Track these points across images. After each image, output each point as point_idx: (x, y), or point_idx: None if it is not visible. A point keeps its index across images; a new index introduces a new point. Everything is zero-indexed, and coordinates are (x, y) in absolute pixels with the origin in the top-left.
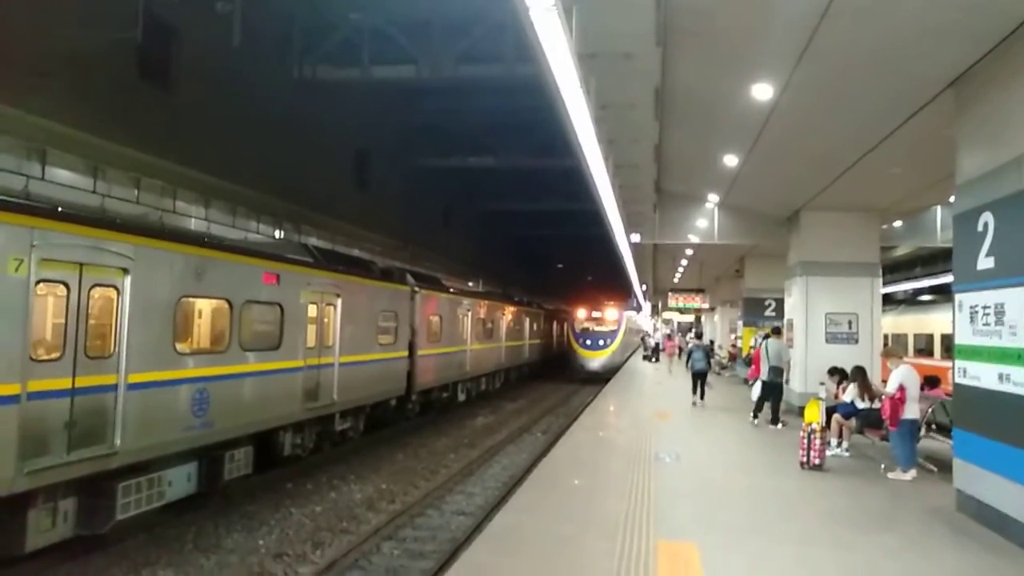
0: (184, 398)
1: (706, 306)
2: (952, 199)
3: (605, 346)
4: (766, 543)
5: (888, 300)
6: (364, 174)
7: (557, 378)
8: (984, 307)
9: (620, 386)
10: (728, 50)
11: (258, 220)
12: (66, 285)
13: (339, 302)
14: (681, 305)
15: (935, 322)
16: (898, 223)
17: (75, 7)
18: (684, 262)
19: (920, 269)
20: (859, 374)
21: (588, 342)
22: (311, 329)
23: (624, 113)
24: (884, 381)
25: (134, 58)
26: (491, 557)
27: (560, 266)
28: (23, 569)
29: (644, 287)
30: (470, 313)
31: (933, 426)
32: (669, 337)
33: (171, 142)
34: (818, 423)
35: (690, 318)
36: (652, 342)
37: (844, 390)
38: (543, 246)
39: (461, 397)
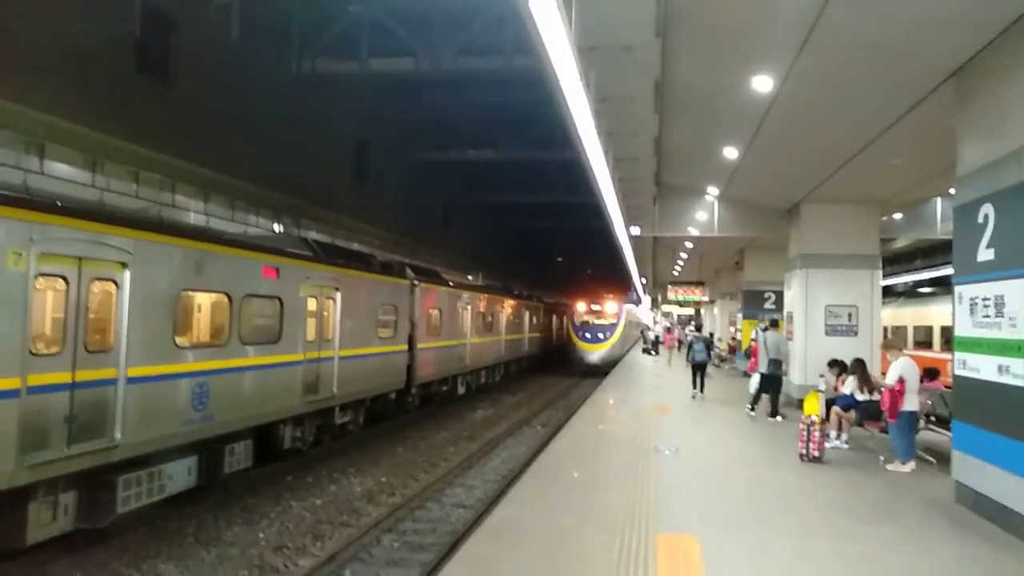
0: (184, 392)
1: (706, 299)
2: (952, 191)
3: (605, 339)
4: (766, 535)
5: (888, 292)
6: (363, 167)
7: (557, 371)
8: (984, 299)
9: (620, 379)
10: (728, 42)
11: (257, 214)
12: (65, 279)
13: (339, 296)
14: (681, 298)
15: (934, 314)
16: (898, 215)
17: (73, 0)
18: (684, 255)
19: (920, 261)
20: (858, 366)
21: (588, 335)
22: (311, 323)
23: (624, 106)
24: (883, 373)
25: (132, 52)
26: (491, 549)
27: (560, 259)
28: (24, 562)
29: (644, 280)
30: (470, 306)
31: (932, 418)
32: (668, 330)
33: (170, 136)
34: (817, 415)
35: (690, 311)
36: (652, 335)
37: (843, 382)
38: (543, 239)
39: (461, 390)
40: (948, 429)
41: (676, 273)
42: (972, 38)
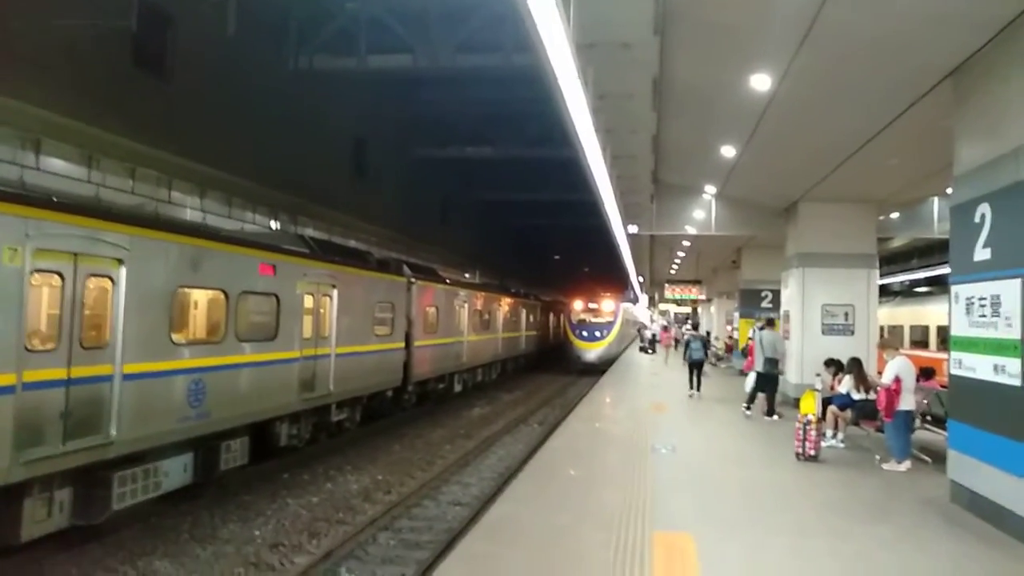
0: (180, 388)
1: (703, 297)
2: (949, 190)
3: (601, 337)
4: (762, 534)
5: (884, 292)
6: (361, 164)
7: (554, 369)
8: (980, 298)
9: (616, 377)
10: (726, 40)
11: (254, 211)
12: (61, 275)
13: (335, 293)
14: (678, 296)
15: (931, 314)
16: (895, 214)
17: None
18: (681, 253)
19: (916, 260)
20: (855, 365)
21: (584, 333)
22: (307, 320)
23: (622, 103)
24: (880, 373)
25: (128, 46)
26: (487, 547)
27: (557, 257)
28: (19, 559)
29: (641, 278)
30: (467, 304)
31: (928, 417)
32: (665, 328)
33: (166, 132)
34: (814, 414)
35: (687, 309)
36: (649, 334)
37: (840, 381)
38: (540, 237)
39: (457, 388)
40: (944, 428)
41: (673, 272)
42: (970, 37)
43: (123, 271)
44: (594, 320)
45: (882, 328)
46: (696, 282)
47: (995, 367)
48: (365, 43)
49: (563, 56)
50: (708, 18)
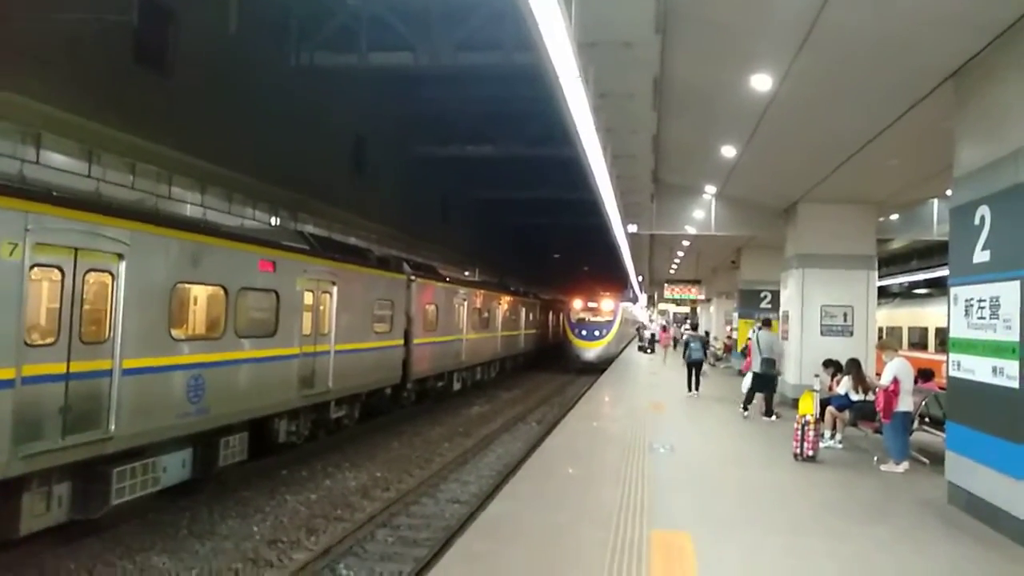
0: (179, 384)
1: (702, 297)
2: (949, 192)
3: (601, 336)
4: (759, 533)
5: (883, 293)
6: (361, 162)
7: (552, 368)
8: (979, 300)
9: (615, 376)
10: (728, 40)
11: (254, 207)
12: (61, 270)
13: (335, 290)
14: (677, 296)
15: (929, 315)
16: (895, 216)
17: None
18: (681, 253)
19: (916, 262)
20: (853, 366)
21: (584, 332)
22: (307, 316)
23: (623, 103)
24: (878, 374)
25: (130, 42)
26: (485, 545)
27: (557, 256)
28: (17, 553)
29: (640, 278)
30: (466, 302)
31: (926, 419)
32: (664, 328)
33: (167, 127)
34: (812, 415)
35: (686, 309)
36: (648, 333)
37: (838, 382)
38: (540, 236)
39: (456, 386)
40: (942, 430)
41: (673, 271)
42: (971, 40)
43: (123, 266)
44: (593, 319)
45: (881, 329)
46: (695, 282)
47: (994, 369)
48: (366, 40)
49: (564, 55)
50: (709, 18)
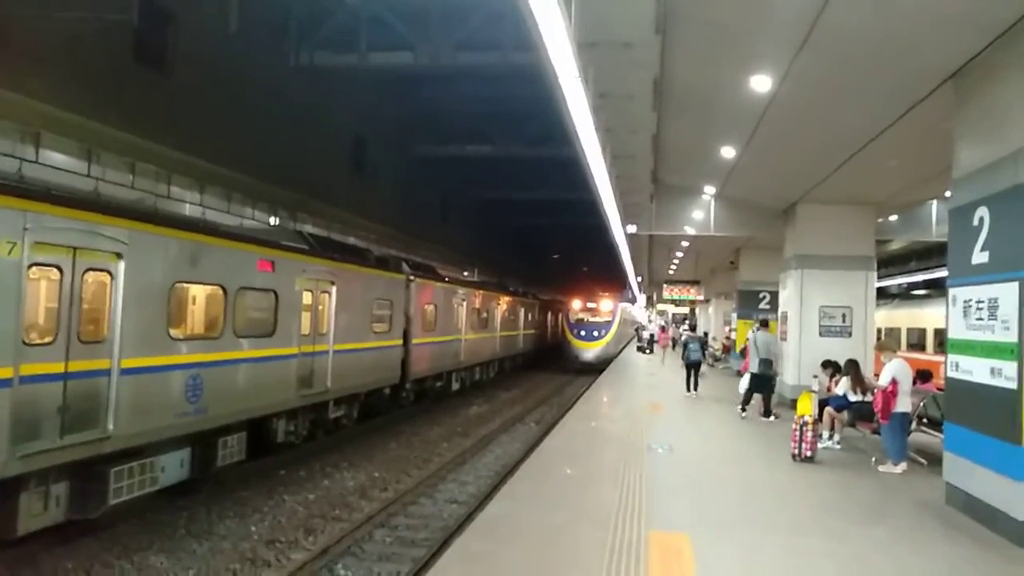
0: (177, 384)
1: (701, 298)
2: (948, 193)
3: (599, 337)
4: (758, 534)
5: (881, 294)
6: (360, 161)
7: (551, 368)
8: (978, 301)
9: (614, 377)
10: (727, 41)
11: (254, 206)
12: (59, 269)
13: (334, 290)
14: (676, 297)
15: (928, 317)
16: (894, 217)
17: None
18: (680, 254)
19: (914, 263)
20: (852, 367)
21: (583, 333)
22: (306, 316)
23: (622, 103)
24: (877, 375)
25: (129, 41)
26: (483, 545)
27: (556, 256)
28: (15, 553)
29: (639, 278)
30: (465, 302)
31: (924, 420)
32: (663, 329)
33: (166, 126)
34: (810, 415)
35: (685, 310)
36: (647, 334)
37: (837, 383)
38: (539, 236)
39: (455, 386)
40: (940, 431)
41: (672, 272)
42: (972, 40)
43: (121, 265)
44: (592, 320)
45: (879, 330)
46: (694, 283)
47: (992, 370)
48: (365, 40)
49: (564, 55)
50: (709, 19)
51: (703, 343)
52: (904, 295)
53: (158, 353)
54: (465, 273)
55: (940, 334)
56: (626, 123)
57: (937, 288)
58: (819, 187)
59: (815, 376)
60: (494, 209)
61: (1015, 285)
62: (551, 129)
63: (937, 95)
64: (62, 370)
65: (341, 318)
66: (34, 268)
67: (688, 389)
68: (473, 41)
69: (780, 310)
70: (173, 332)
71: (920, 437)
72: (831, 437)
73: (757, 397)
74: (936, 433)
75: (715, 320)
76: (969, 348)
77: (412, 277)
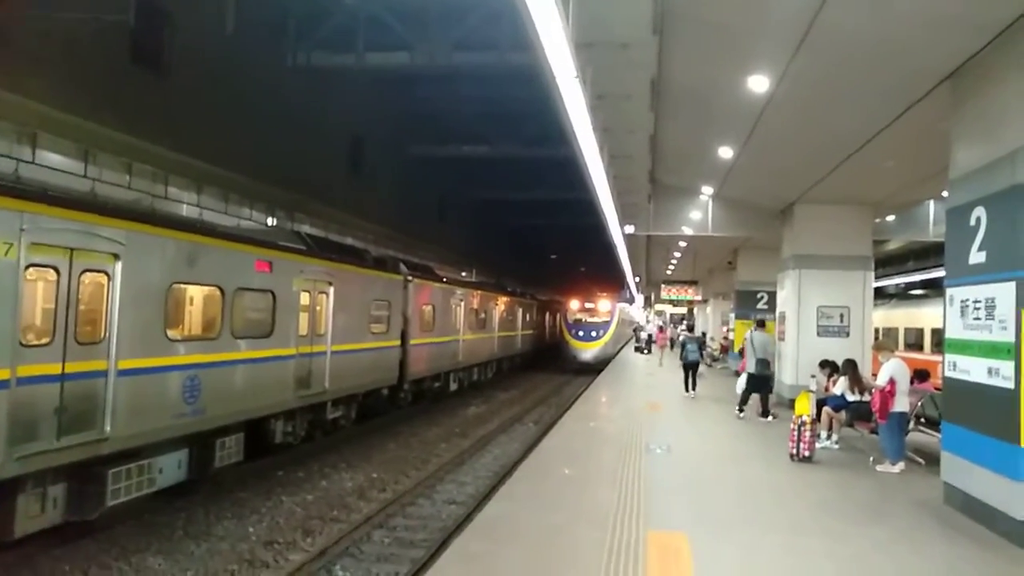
0: (175, 385)
1: (699, 298)
2: (945, 193)
3: (597, 337)
4: (756, 534)
5: (879, 294)
6: (358, 162)
7: (549, 368)
8: (975, 301)
9: (612, 377)
10: (725, 41)
11: (251, 207)
12: (56, 270)
13: (331, 290)
14: (674, 297)
15: (925, 316)
16: (891, 217)
17: None
18: (677, 254)
19: (912, 263)
20: (850, 367)
21: (581, 333)
22: (303, 317)
23: (620, 103)
24: (874, 375)
25: (127, 42)
26: (482, 546)
27: (554, 257)
28: (12, 555)
29: (637, 279)
30: (463, 303)
31: (922, 419)
32: (661, 329)
33: (163, 127)
34: (808, 415)
35: (683, 310)
36: (644, 334)
37: (835, 383)
38: (537, 236)
39: (453, 387)
40: (937, 430)
41: (669, 272)
42: (969, 40)
43: (119, 266)
44: (590, 320)
45: (877, 330)
46: (692, 283)
47: (989, 370)
48: (363, 40)
49: (562, 55)
50: (707, 19)
51: (701, 343)
52: (902, 295)
53: (155, 354)
54: (463, 273)
55: (937, 334)
56: (623, 123)
57: (934, 288)
58: (816, 187)
59: (813, 376)
60: (492, 209)
61: (1012, 285)
62: (548, 129)
63: (934, 95)
64: (59, 371)
65: (339, 319)
66: (31, 269)
67: (686, 389)
68: (470, 41)
69: (778, 310)
70: (170, 333)
71: (918, 437)
72: (829, 437)
73: (755, 397)
74: (934, 433)
75: (713, 320)
76: (967, 348)
77: (410, 277)
